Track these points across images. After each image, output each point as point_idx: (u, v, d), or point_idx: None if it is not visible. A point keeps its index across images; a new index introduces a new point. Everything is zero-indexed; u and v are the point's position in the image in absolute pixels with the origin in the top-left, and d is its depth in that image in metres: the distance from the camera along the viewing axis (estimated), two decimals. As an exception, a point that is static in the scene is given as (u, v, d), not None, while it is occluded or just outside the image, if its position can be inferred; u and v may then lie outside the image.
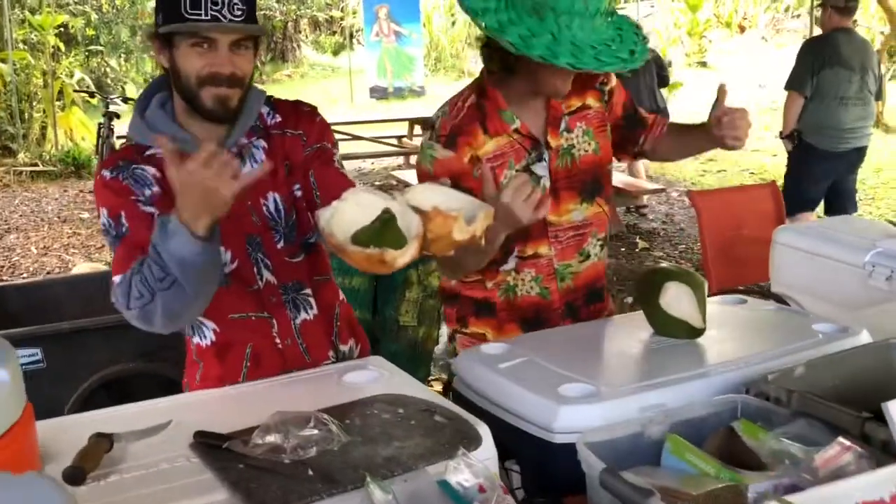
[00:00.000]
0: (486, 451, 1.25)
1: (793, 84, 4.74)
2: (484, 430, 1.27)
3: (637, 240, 6.56)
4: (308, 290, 1.67)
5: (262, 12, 16.16)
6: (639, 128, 2.00)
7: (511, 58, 1.66)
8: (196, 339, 1.67)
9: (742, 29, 17.81)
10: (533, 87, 1.76)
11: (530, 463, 1.41)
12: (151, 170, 1.55)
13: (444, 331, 4.27)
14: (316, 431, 1.20)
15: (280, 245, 1.63)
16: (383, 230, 1.24)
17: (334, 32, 20.57)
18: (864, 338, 1.64)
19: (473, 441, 1.22)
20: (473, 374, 1.58)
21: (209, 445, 1.24)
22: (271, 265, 1.62)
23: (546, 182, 1.83)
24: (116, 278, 1.48)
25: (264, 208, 1.61)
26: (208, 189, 1.30)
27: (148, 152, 1.57)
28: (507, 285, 1.90)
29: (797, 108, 4.72)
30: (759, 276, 3.27)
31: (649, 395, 1.43)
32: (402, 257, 1.22)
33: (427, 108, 13.62)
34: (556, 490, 1.37)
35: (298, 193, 1.64)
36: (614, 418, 1.36)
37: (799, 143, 4.75)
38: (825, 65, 4.61)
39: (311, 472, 1.13)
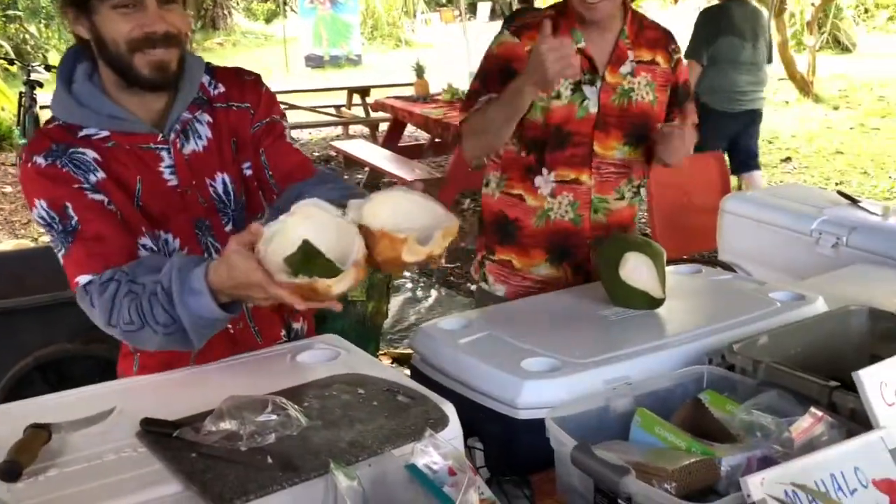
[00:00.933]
0: (453, 431, 1.21)
1: (690, 53, 5.01)
2: (450, 410, 1.22)
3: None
4: None
5: (192, -23, 15.57)
6: (675, 108, 2.06)
7: None
8: None
9: (675, -1, 18.01)
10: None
11: (494, 440, 1.38)
12: (91, 153, 1.41)
13: (393, 304, 4.23)
14: (273, 416, 1.14)
15: (229, 228, 1.53)
16: (306, 260, 1.15)
17: (267, -1, 20.05)
18: (821, 305, 1.66)
19: (440, 421, 1.18)
20: (433, 350, 1.53)
21: (158, 434, 1.16)
22: (221, 249, 1.49)
23: (591, 106, 1.94)
24: (82, 278, 1.35)
25: (211, 190, 1.50)
26: (255, 290, 1.21)
27: (82, 133, 1.42)
28: (541, 211, 1.99)
29: (695, 75, 4.98)
30: (706, 244, 3.31)
31: (613, 368, 1.41)
32: (338, 286, 1.14)
33: (364, 77, 13.45)
34: (520, 466, 1.34)
35: (248, 172, 1.54)
36: (578, 392, 1.34)
37: (698, 106, 5.04)
38: (720, 34, 4.89)
39: (270, 460, 1.07)
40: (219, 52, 16.71)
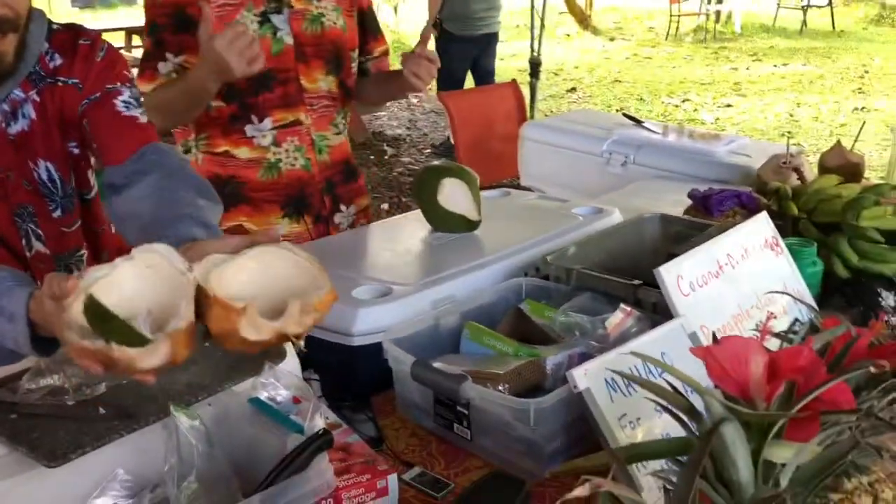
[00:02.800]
0: (290, 364, 1.21)
1: None
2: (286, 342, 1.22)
3: (385, 147, 6.63)
4: (83, 252, 1.45)
5: None
6: (368, 34, 2.00)
7: None
8: None
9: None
10: None
11: (330, 369, 1.39)
12: None
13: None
14: (101, 366, 1.08)
15: (57, 214, 1.37)
16: (99, 321, 0.88)
17: (19, -70, 17.98)
18: (617, 216, 1.81)
19: (278, 354, 1.17)
20: (259, 287, 1.51)
21: (-34, 400, 1.07)
22: (44, 236, 1.37)
23: (286, 37, 1.81)
24: None
25: (35, 174, 1.33)
26: None
27: None
28: (268, 163, 1.85)
29: (438, 3, 5.35)
30: (508, 171, 3.46)
31: (439, 289, 1.47)
32: (143, 360, 0.88)
33: (141, 16, 12.51)
34: (359, 392, 1.37)
35: (76, 151, 1.38)
36: (409, 315, 1.38)
37: (441, 31, 5.62)
38: None
39: (102, 411, 1.02)
40: (-34, -10, 14.82)
